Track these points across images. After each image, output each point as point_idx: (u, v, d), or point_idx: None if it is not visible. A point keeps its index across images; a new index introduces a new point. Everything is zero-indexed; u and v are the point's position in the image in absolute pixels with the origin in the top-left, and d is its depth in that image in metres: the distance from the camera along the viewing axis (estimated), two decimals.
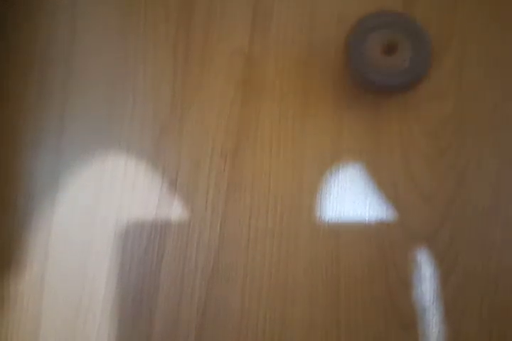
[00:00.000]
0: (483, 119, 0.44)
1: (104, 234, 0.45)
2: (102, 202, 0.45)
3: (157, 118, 0.46)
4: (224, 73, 0.46)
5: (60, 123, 0.46)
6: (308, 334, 0.42)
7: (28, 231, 0.45)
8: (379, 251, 0.43)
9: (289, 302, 0.42)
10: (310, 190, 0.44)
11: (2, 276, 0.44)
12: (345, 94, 0.45)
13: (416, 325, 0.42)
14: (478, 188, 0.43)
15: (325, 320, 0.42)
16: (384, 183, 0.44)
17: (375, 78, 0.40)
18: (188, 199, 0.45)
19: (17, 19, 0.48)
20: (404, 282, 0.42)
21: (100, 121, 0.46)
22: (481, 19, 0.46)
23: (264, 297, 0.43)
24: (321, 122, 0.45)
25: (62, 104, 0.47)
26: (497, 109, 0.44)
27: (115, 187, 0.45)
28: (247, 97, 0.46)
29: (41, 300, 0.44)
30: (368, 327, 0.42)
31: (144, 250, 0.44)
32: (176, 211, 0.45)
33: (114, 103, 0.46)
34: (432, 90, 0.45)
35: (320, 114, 0.45)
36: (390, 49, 0.41)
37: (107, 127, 0.46)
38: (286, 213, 0.44)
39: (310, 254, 0.43)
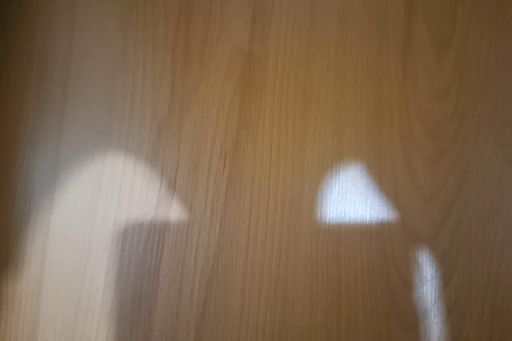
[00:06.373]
0: (484, 119, 0.44)
1: (103, 234, 0.44)
2: (100, 202, 0.45)
3: (156, 118, 0.46)
4: (223, 73, 0.46)
5: (59, 123, 0.46)
6: (309, 334, 0.42)
7: (26, 232, 0.45)
8: (380, 251, 0.43)
9: (289, 303, 0.42)
10: (310, 191, 0.44)
11: (0, 277, 0.44)
12: (345, 93, 0.45)
13: (417, 325, 0.41)
14: (480, 188, 0.43)
15: (325, 321, 0.42)
16: (385, 183, 0.44)
17: None
18: (187, 199, 0.44)
19: (16, 19, 0.48)
20: (405, 283, 0.42)
21: (99, 121, 0.46)
22: (481, 19, 0.46)
23: (264, 297, 0.42)
24: (321, 122, 0.45)
25: (61, 103, 0.47)
26: (497, 109, 0.44)
27: (114, 187, 0.45)
28: (247, 97, 0.46)
29: (39, 300, 0.43)
30: (369, 328, 0.42)
31: (142, 250, 0.44)
32: (175, 211, 0.44)
33: (113, 103, 0.46)
34: (433, 90, 0.45)
35: (320, 113, 0.45)
36: None
37: (106, 127, 0.46)
38: (286, 213, 0.44)
39: (310, 254, 0.43)
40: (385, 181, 0.44)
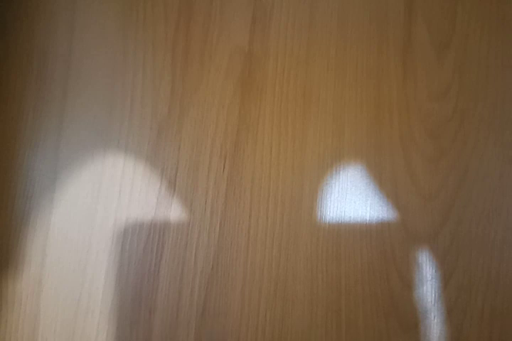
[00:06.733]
0: (484, 119, 0.44)
1: (103, 234, 0.44)
2: (100, 202, 0.45)
3: (156, 118, 0.46)
4: (223, 73, 0.46)
5: (59, 123, 0.46)
6: (309, 334, 0.42)
7: (26, 232, 0.45)
8: (380, 251, 0.43)
9: (289, 303, 0.42)
10: (310, 190, 0.44)
11: (0, 277, 0.44)
12: (345, 93, 0.45)
13: (417, 325, 0.41)
14: (480, 188, 0.43)
15: (325, 321, 0.42)
16: (385, 183, 0.44)
17: None
18: (187, 199, 0.44)
19: (16, 19, 0.48)
20: (405, 283, 0.42)
21: (99, 121, 0.46)
22: (481, 19, 0.46)
23: (264, 297, 0.42)
24: (321, 122, 0.45)
25: (61, 103, 0.47)
26: (497, 109, 0.44)
27: (114, 187, 0.45)
28: (247, 97, 0.46)
29: (39, 300, 0.43)
30: (369, 328, 0.41)
31: (142, 250, 0.44)
32: (175, 211, 0.44)
33: (113, 103, 0.46)
34: (433, 90, 0.45)
35: (320, 113, 0.45)
36: None
37: (106, 127, 0.46)
38: (286, 213, 0.44)
39: (310, 254, 0.43)
40: (385, 181, 0.44)
